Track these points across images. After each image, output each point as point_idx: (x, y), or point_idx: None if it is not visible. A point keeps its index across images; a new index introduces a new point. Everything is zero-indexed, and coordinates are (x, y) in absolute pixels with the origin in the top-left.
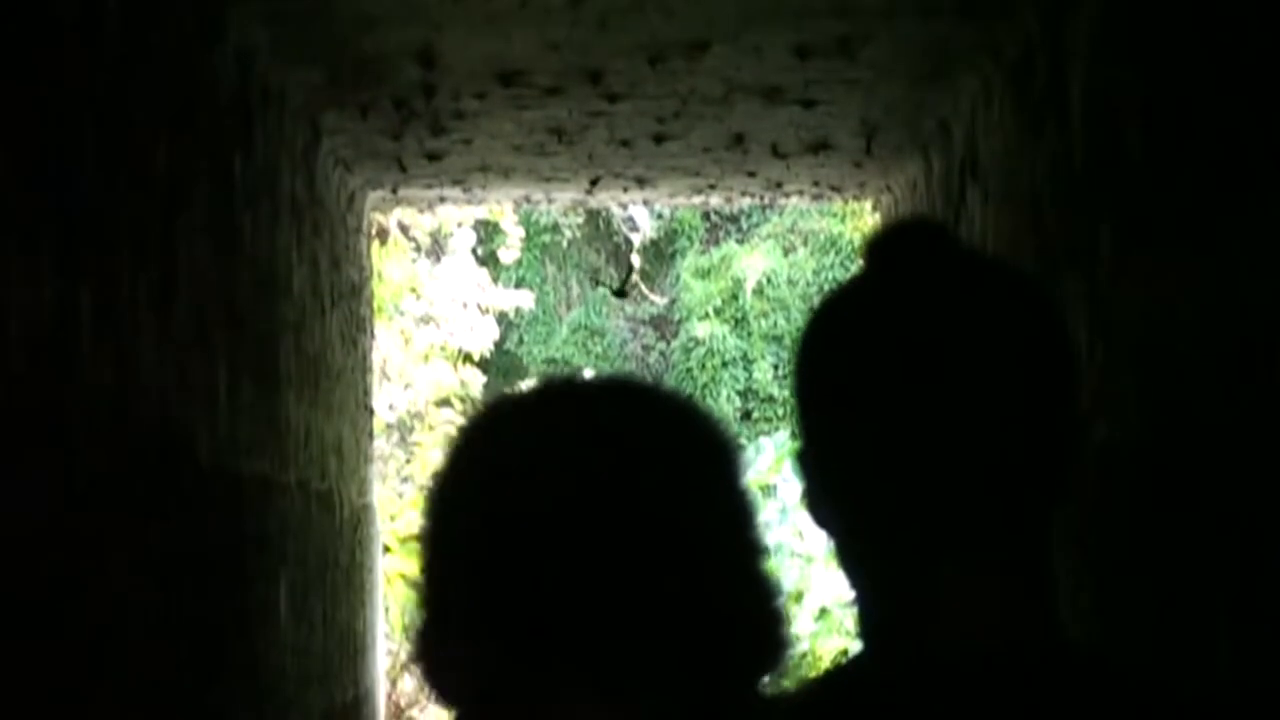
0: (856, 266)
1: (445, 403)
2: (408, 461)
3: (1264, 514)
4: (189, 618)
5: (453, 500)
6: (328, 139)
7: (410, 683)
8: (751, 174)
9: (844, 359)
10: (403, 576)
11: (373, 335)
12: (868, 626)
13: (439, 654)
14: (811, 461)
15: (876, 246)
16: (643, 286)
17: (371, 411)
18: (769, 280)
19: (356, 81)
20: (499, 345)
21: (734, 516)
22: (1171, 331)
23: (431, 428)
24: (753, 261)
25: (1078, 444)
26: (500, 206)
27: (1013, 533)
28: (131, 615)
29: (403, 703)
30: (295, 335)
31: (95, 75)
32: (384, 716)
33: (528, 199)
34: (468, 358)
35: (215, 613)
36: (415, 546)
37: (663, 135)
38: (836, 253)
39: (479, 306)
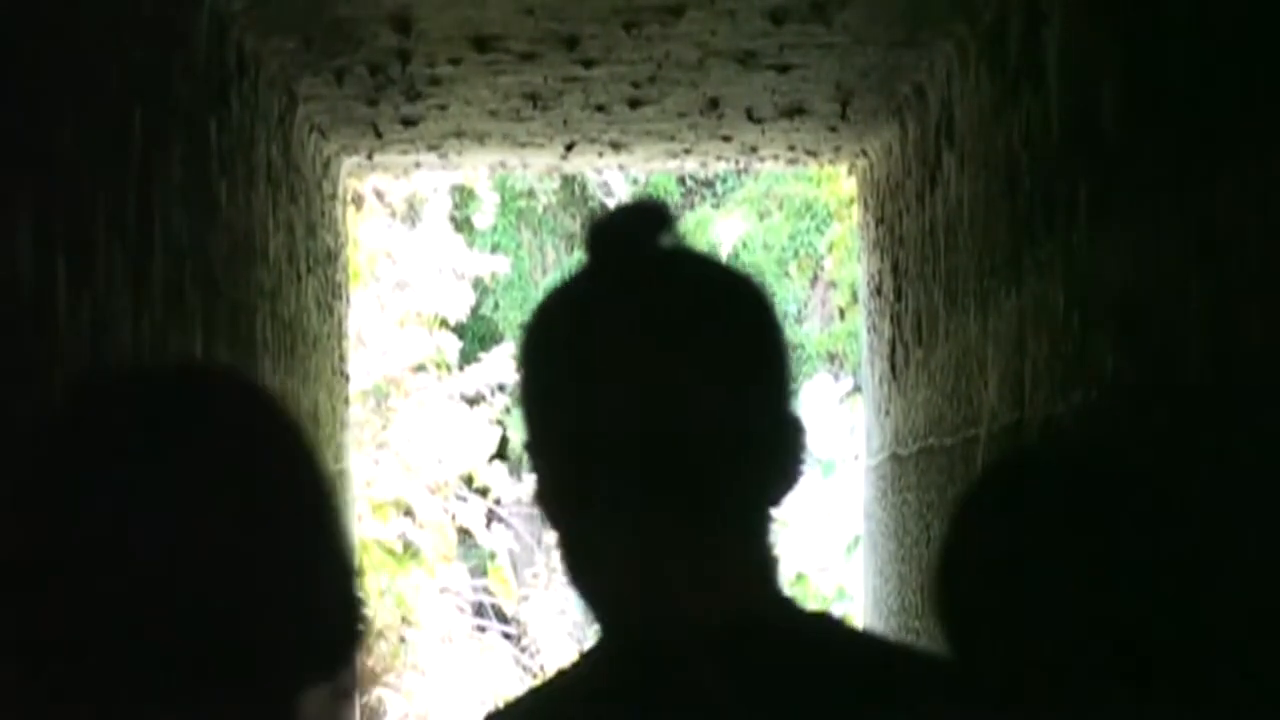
0: (831, 231)
1: (421, 369)
2: (383, 428)
3: (1244, 477)
4: None
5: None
6: (303, 105)
7: (385, 648)
8: (726, 139)
9: (536, 352)
10: (378, 543)
11: (348, 301)
12: (593, 615)
13: None
14: (528, 454)
15: (586, 234)
16: None
17: (347, 378)
18: (744, 245)
19: (332, 47)
20: (475, 311)
21: (307, 506)
22: (1149, 296)
23: (407, 394)
24: (728, 226)
25: (787, 434)
26: (475, 172)
27: (713, 520)
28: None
29: (378, 668)
30: (271, 302)
31: (70, 40)
32: (358, 681)
33: (503, 164)
34: (443, 323)
35: None
36: None
37: (638, 100)
38: (812, 217)
39: (454, 272)
